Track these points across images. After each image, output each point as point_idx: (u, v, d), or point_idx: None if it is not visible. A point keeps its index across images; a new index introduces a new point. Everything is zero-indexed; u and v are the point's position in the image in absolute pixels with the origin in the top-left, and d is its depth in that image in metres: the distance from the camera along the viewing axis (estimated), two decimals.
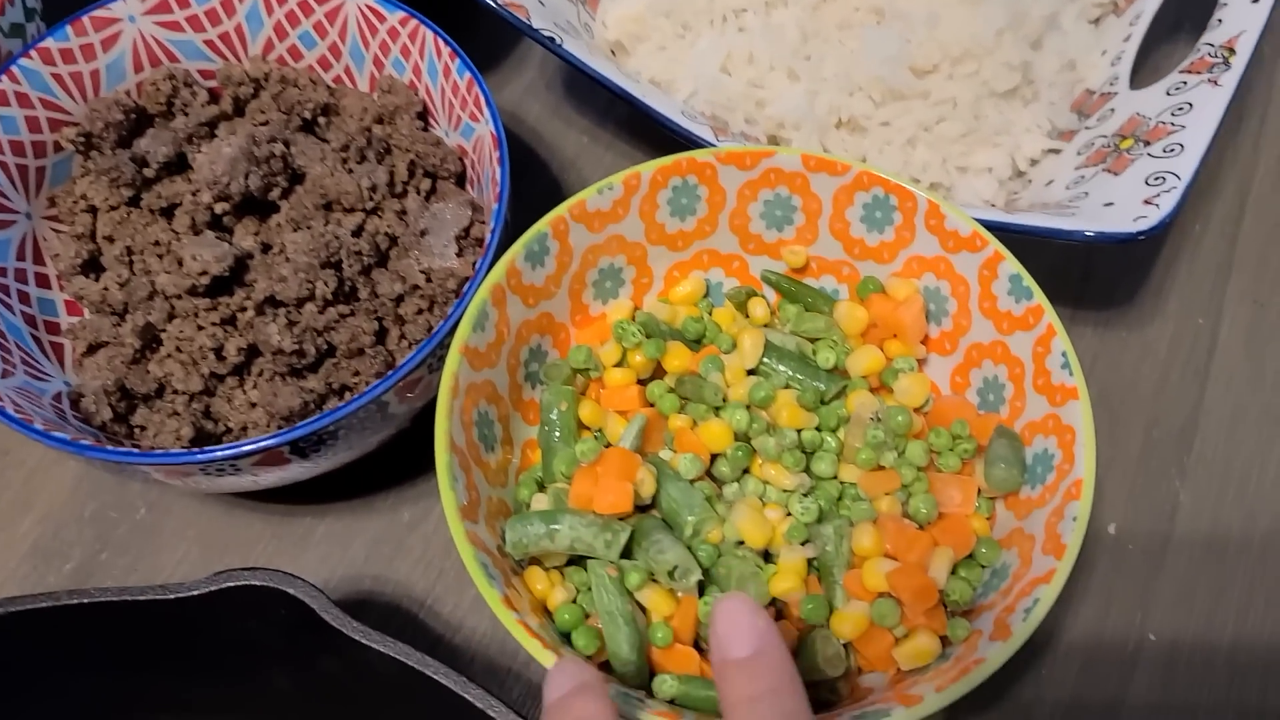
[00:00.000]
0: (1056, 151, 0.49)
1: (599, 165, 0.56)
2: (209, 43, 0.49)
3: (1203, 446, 0.49)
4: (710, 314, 0.46)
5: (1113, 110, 0.47)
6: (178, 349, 0.43)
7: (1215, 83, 0.44)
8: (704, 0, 0.50)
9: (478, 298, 0.39)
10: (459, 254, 0.44)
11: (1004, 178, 0.48)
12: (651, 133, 0.49)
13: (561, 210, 0.42)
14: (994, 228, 0.41)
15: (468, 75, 0.44)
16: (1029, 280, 0.39)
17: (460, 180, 0.48)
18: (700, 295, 0.46)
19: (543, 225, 0.41)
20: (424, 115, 0.49)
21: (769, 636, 0.28)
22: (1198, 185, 0.53)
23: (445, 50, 0.45)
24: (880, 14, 0.49)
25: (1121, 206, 0.41)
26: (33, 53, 0.45)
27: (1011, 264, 0.40)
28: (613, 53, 0.53)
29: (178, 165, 0.47)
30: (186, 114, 0.48)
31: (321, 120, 0.48)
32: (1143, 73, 0.55)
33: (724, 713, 0.28)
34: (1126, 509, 0.47)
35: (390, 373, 0.38)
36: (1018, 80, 0.48)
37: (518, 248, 0.41)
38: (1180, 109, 0.44)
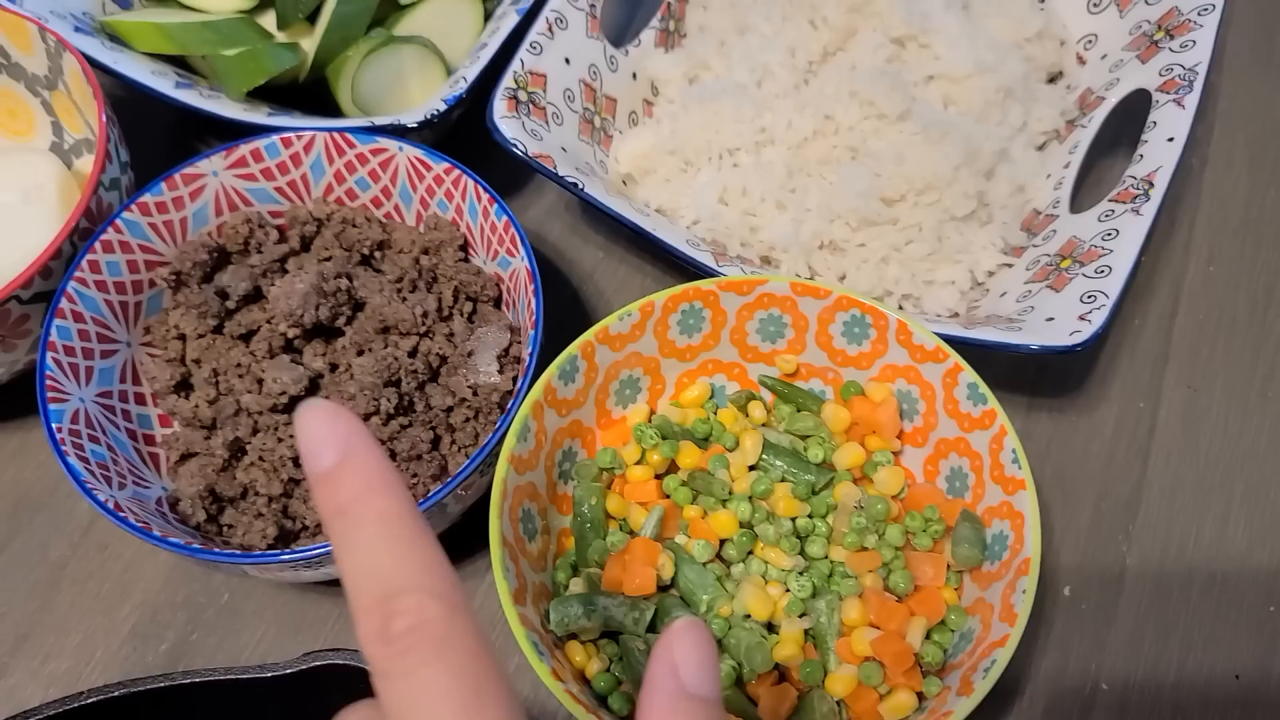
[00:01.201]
0: (1009, 265, 0.56)
1: (614, 278, 0.63)
2: (278, 189, 0.56)
3: (1146, 515, 0.56)
4: (716, 414, 0.53)
5: (1055, 231, 0.55)
6: (260, 458, 0.51)
7: (1137, 212, 0.51)
8: (703, 140, 0.58)
9: (521, 413, 0.46)
10: (500, 371, 0.51)
11: (965, 289, 0.55)
12: (659, 251, 0.56)
13: (589, 335, 0.49)
14: (955, 341, 0.48)
15: (505, 218, 0.52)
16: (984, 388, 0.47)
17: (497, 302, 0.55)
18: (706, 398, 0.53)
19: (573, 349, 0.49)
20: (464, 247, 0.56)
21: (353, 437, 0.25)
22: (1135, 285, 0.61)
23: (485, 196, 0.53)
24: (855, 152, 0.56)
25: (1061, 321, 0.49)
26: (133, 206, 0.52)
27: (969, 374, 0.47)
28: (624, 183, 0.61)
29: (254, 296, 0.55)
30: (261, 251, 0.55)
31: (377, 254, 0.56)
32: (1086, 183, 0.63)
33: (326, 530, 0.26)
34: (1080, 572, 0.54)
35: (449, 480, 0.45)
36: (974, 205, 0.56)
37: (553, 369, 0.48)
38: (1109, 234, 0.51)
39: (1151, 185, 0.52)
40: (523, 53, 0.56)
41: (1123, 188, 0.53)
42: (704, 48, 0.62)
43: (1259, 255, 0.64)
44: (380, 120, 0.55)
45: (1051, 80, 0.65)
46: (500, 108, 0.54)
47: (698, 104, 0.58)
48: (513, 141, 0.53)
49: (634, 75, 0.62)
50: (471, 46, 0.63)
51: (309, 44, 0.63)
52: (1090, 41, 0.64)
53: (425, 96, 0.61)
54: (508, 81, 0.55)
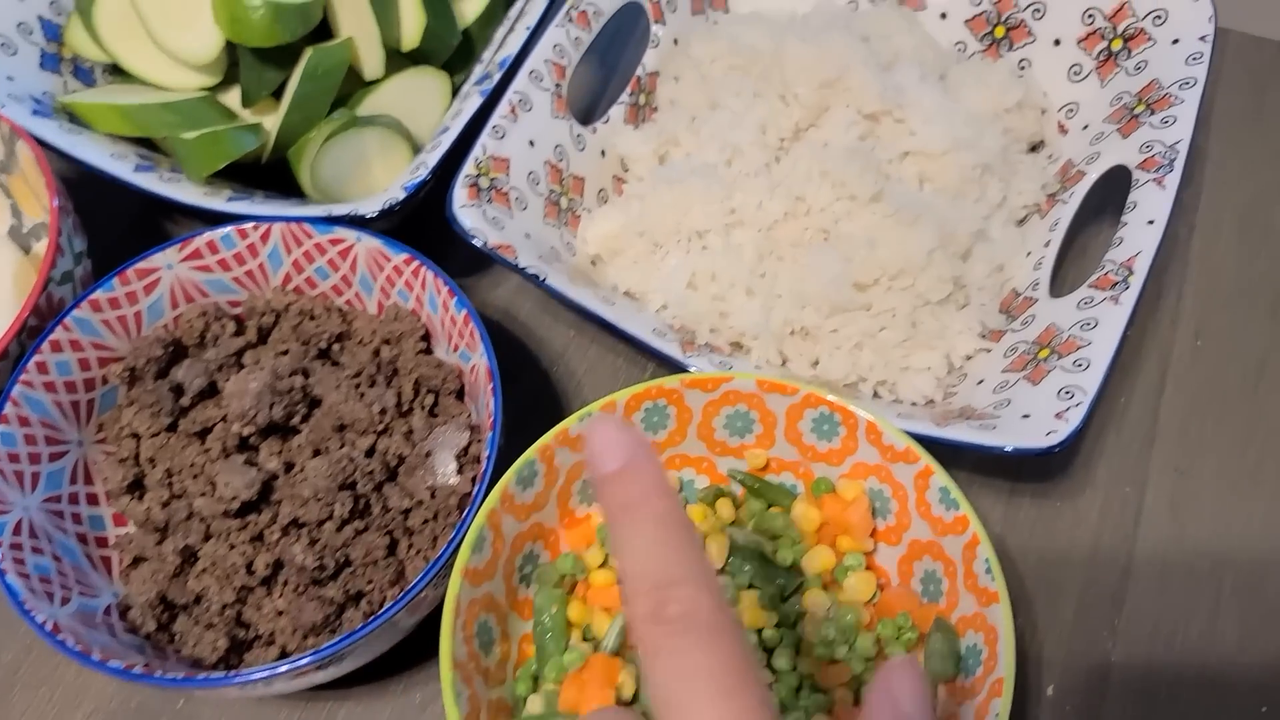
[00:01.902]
0: (987, 351, 0.54)
1: (585, 358, 0.62)
2: (236, 279, 0.55)
3: (1132, 608, 0.54)
4: (685, 508, 0.51)
5: (1034, 316, 0.53)
6: (213, 564, 0.49)
7: (1116, 301, 0.49)
8: (672, 222, 0.56)
9: (476, 523, 0.45)
10: (459, 471, 0.50)
11: (941, 375, 0.54)
12: None
13: (548, 439, 0.47)
14: (927, 440, 0.47)
15: (464, 311, 0.50)
16: (956, 493, 0.45)
17: (461, 393, 0.54)
18: (676, 492, 0.52)
19: (531, 454, 0.47)
20: (426, 337, 0.54)
21: (638, 449, 0.30)
22: (1121, 362, 0.59)
23: (444, 289, 0.51)
24: (827, 234, 0.55)
25: (1037, 419, 0.47)
26: (84, 304, 0.51)
27: (941, 477, 0.45)
28: (593, 263, 0.59)
29: (210, 391, 0.53)
30: (217, 344, 0.54)
31: (335, 347, 0.54)
32: (1070, 254, 0.61)
33: (607, 525, 0.30)
34: (1063, 670, 0.52)
35: (400, 596, 0.43)
36: (950, 289, 0.54)
37: (510, 475, 0.46)
38: (1087, 324, 0.49)
39: (1131, 272, 0.50)
40: (484, 138, 0.55)
41: (1102, 273, 0.51)
42: (674, 123, 0.60)
43: (1249, 328, 0.62)
44: (338, 209, 0.54)
45: (1033, 149, 0.63)
46: (460, 196, 0.53)
47: (666, 185, 0.56)
48: (472, 232, 0.52)
49: (603, 153, 0.61)
50: (439, 122, 0.62)
51: (274, 121, 0.62)
52: (1071, 110, 0.62)
53: (390, 178, 0.59)
54: (468, 168, 0.54)
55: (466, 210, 0.52)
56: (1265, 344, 0.61)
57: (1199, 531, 0.56)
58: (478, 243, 0.52)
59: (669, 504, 0.29)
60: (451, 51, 0.63)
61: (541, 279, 0.51)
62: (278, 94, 0.63)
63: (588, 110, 0.67)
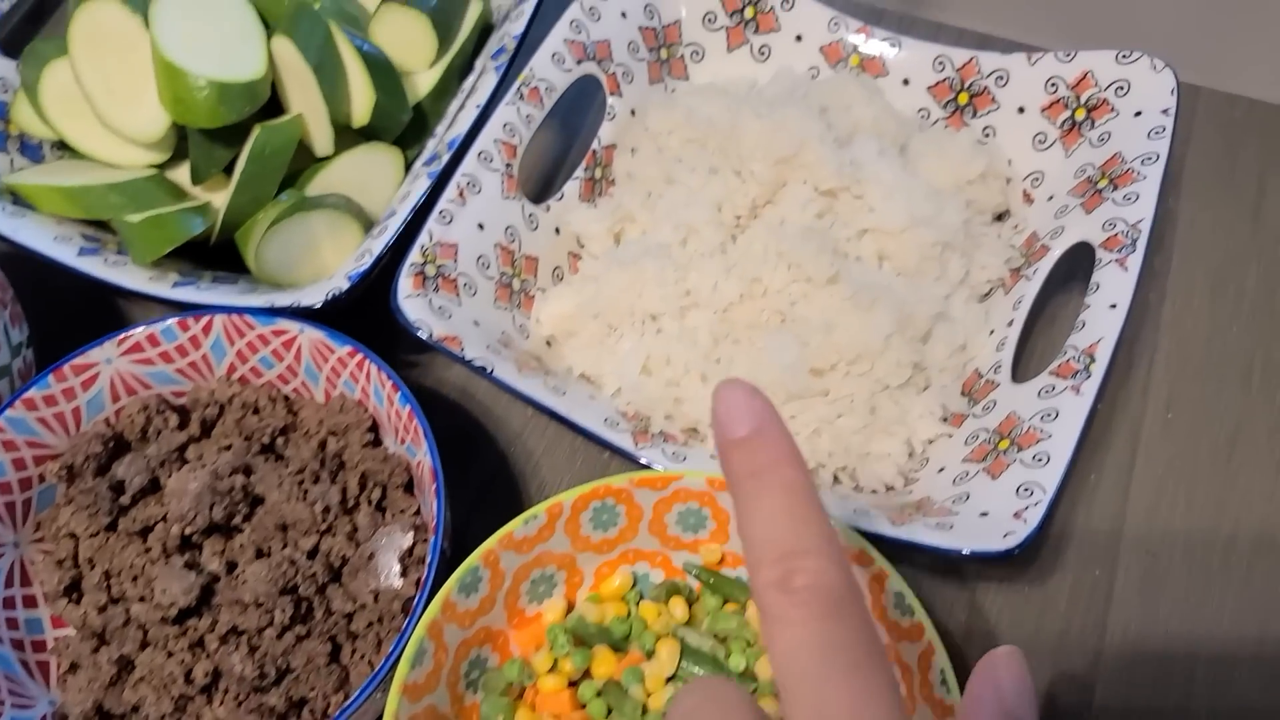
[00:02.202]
0: (949, 435, 0.53)
1: (543, 437, 0.60)
2: (179, 370, 0.54)
3: (1104, 698, 0.52)
4: (639, 604, 0.50)
5: (995, 402, 0.52)
6: (150, 673, 0.47)
7: (1077, 391, 0.48)
8: (626, 305, 0.55)
9: (415, 636, 0.43)
10: (404, 574, 0.48)
11: (901, 462, 0.52)
12: None
13: (491, 544, 0.46)
14: (883, 540, 0.45)
15: (408, 408, 0.49)
16: (911, 599, 0.43)
17: (410, 485, 0.52)
18: (629, 588, 0.50)
19: (474, 559, 0.46)
20: (374, 428, 0.53)
21: (767, 414, 0.29)
22: (1090, 436, 0.57)
23: (389, 383, 0.50)
24: (783, 317, 0.53)
25: (995, 518, 0.46)
26: (18, 403, 0.50)
27: (895, 582, 0.44)
28: (548, 343, 0.58)
29: (152, 487, 0.52)
30: (160, 438, 0.53)
31: (280, 440, 0.53)
32: (1037, 326, 0.60)
33: (730, 491, 0.29)
34: None
35: (342, 708, 0.42)
36: (909, 373, 0.53)
37: (452, 583, 0.45)
38: (1048, 414, 0.48)
39: (1093, 360, 0.49)
40: (431, 223, 0.53)
41: (1064, 359, 0.50)
42: (630, 200, 0.59)
43: (1221, 399, 0.61)
44: (281, 299, 0.52)
45: (999, 218, 0.62)
46: (405, 287, 0.51)
47: (619, 267, 0.55)
48: (417, 325, 0.50)
49: (557, 230, 0.59)
50: (392, 197, 0.60)
51: (225, 198, 0.60)
52: (1037, 179, 0.61)
53: (340, 259, 0.58)
54: (414, 256, 0.52)
55: (411, 301, 0.51)
56: (1237, 415, 0.60)
57: (1170, 615, 0.54)
58: (422, 335, 0.50)
59: (799, 473, 0.28)
60: (403, 127, 0.62)
61: (489, 371, 0.50)
62: (230, 169, 0.62)
63: (541, 186, 0.66)
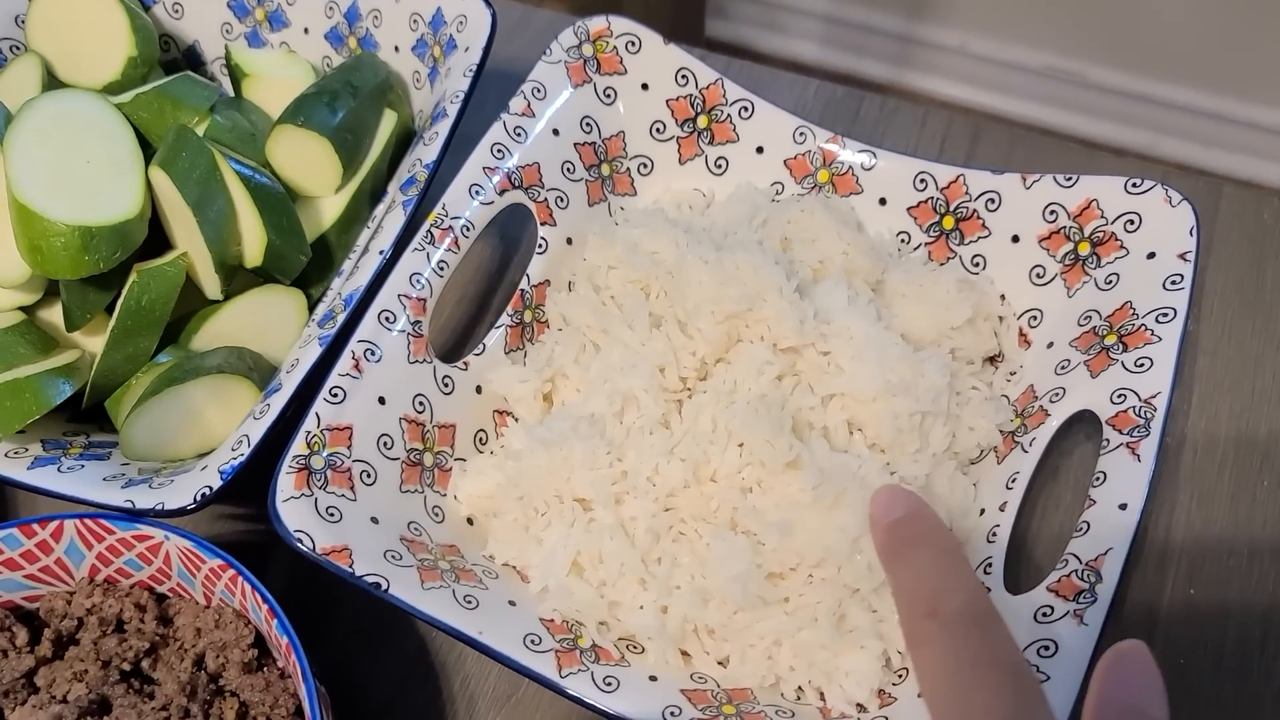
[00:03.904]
0: None
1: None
2: (30, 576, 0.47)
3: None
4: None
5: None
6: None
7: (1081, 619, 0.41)
8: (552, 489, 0.48)
9: None
10: None
11: (876, 679, 0.45)
12: None
13: None
14: None
15: (285, 640, 0.42)
16: None
17: (299, 711, 0.45)
18: None
19: None
20: (260, 641, 0.46)
21: (920, 504, 0.32)
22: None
23: (264, 607, 0.43)
24: (734, 507, 0.46)
25: None
26: None
27: None
28: (470, 521, 0.51)
29: None
30: (6, 658, 0.46)
31: (146, 662, 0.46)
32: (1035, 483, 0.52)
33: (883, 562, 0.32)
34: None
35: None
36: (883, 578, 0.45)
37: None
38: (1045, 648, 0.41)
39: (1099, 578, 0.41)
40: (319, 405, 0.46)
41: (1065, 572, 0.42)
42: (563, 353, 0.52)
43: (1252, 573, 0.53)
44: (143, 500, 0.45)
45: (991, 359, 0.54)
46: (285, 487, 0.44)
47: (542, 448, 0.48)
48: (297, 535, 0.43)
49: (478, 389, 0.52)
50: (296, 341, 0.53)
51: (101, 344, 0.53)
52: (1035, 319, 0.53)
53: (229, 425, 0.51)
54: (297, 448, 0.45)
55: (292, 507, 0.44)
56: (1271, 592, 0.52)
57: None
58: (303, 549, 0.43)
59: (952, 543, 0.31)
60: (301, 267, 0.54)
61: (382, 589, 0.43)
62: (111, 307, 0.55)
63: (458, 338, 0.59)
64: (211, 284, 0.53)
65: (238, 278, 0.55)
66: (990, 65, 1.42)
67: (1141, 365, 0.46)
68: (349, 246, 0.56)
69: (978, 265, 0.55)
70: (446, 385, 0.51)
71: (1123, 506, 0.43)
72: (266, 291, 0.54)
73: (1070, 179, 0.52)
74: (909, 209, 0.56)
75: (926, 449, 0.49)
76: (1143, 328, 0.47)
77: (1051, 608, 0.42)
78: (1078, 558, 0.43)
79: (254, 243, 0.53)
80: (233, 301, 0.54)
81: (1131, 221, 0.50)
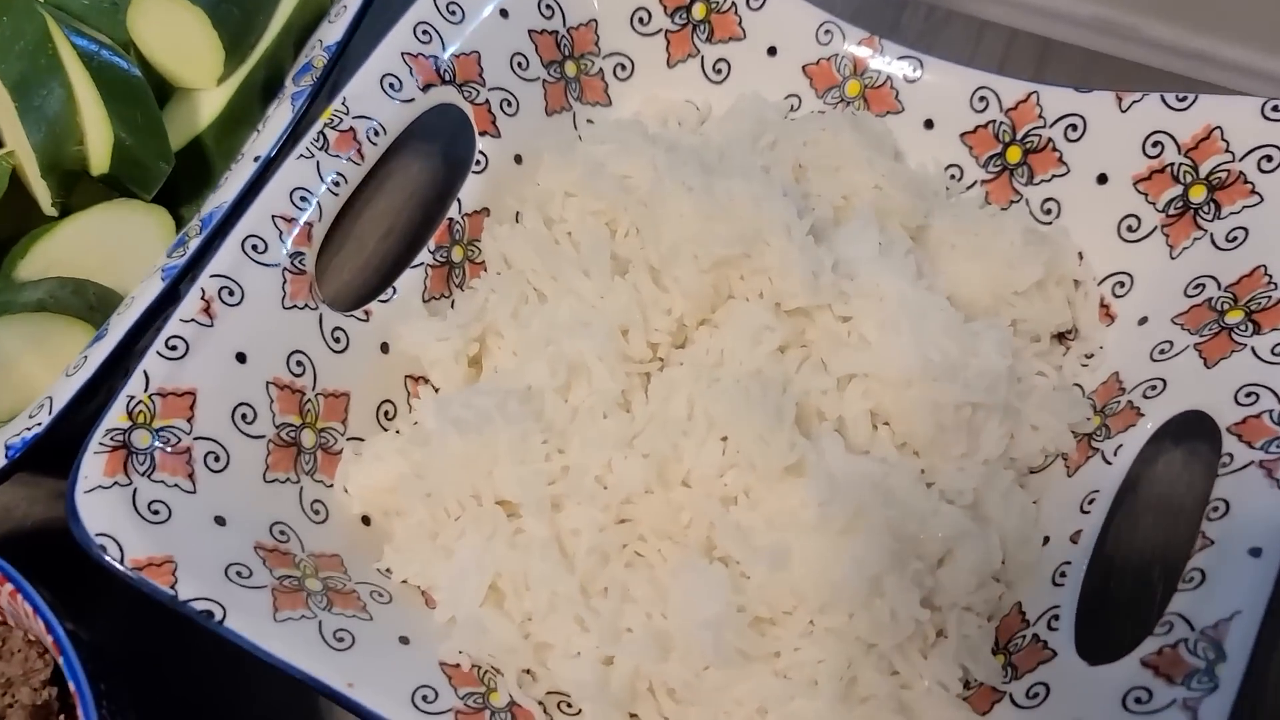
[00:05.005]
0: None
1: None
2: None
3: None
4: None
5: (1047, 689, 0.33)
6: None
7: (1195, 715, 0.29)
8: (467, 486, 0.36)
9: None
10: None
11: None
12: None
13: None
14: None
15: (73, 686, 0.30)
16: None
17: None
18: None
19: None
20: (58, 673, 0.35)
21: None
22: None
23: (50, 639, 0.31)
24: (710, 526, 0.34)
25: None
26: None
27: None
28: (365, 521, 0.39)
29: None
30: None
31: None
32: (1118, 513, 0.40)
33: None
34: None
35: None
36: (911, 629, 0.33)
37: None
38: None
39: (1220, 655, 0.29)
40: (149, 361, 0.34)
41: (1168, 640, 0.31)
42: (498, 305, 0.40)
43: None
44: None
45: (1060, 336, 0.42)
46: (90, 473, 0.33)
47: (455, 431, 0.36)
48: (99, 540, 0.32)
49: (383, 347, 0.40)
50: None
51: None
52: (1122, 285, 0.41)
53: (53, 374, 0.39)
54: (114, 419, 0.33)
55: (99, 500, 0.32)
56: None
57: None
58: (107, 560, 0.31)
59: None
60: (163, 178, 0.42)
61: (215, 619, 0.31)
62: None
63: (363, 280, 0.47)
64: (41, 193, 0.41)
65: (83, 189, 0.43)
66: (1031, 14, 1.28)
67: None
68: (233, 155, 0.44)
69: (1050, 213, 0.43)
70: (338, 340, 0.39)
71: (1255, 552, 0.31)
72: (118, 208, 0.43)
73: (1185, 99, 0.39)
74: (963, 135, 0.44)
75: (976, 454, 0.37)
76: None
77: (1149, 691, 0.30)
78: (1188, 621, 0.31)
79: (99, 142, 0.41)
80: (71, 220, 0.42)
81: (1269, 157, 0.38)
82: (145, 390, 0.34)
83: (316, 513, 0.38)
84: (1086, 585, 0.36)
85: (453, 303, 0.43)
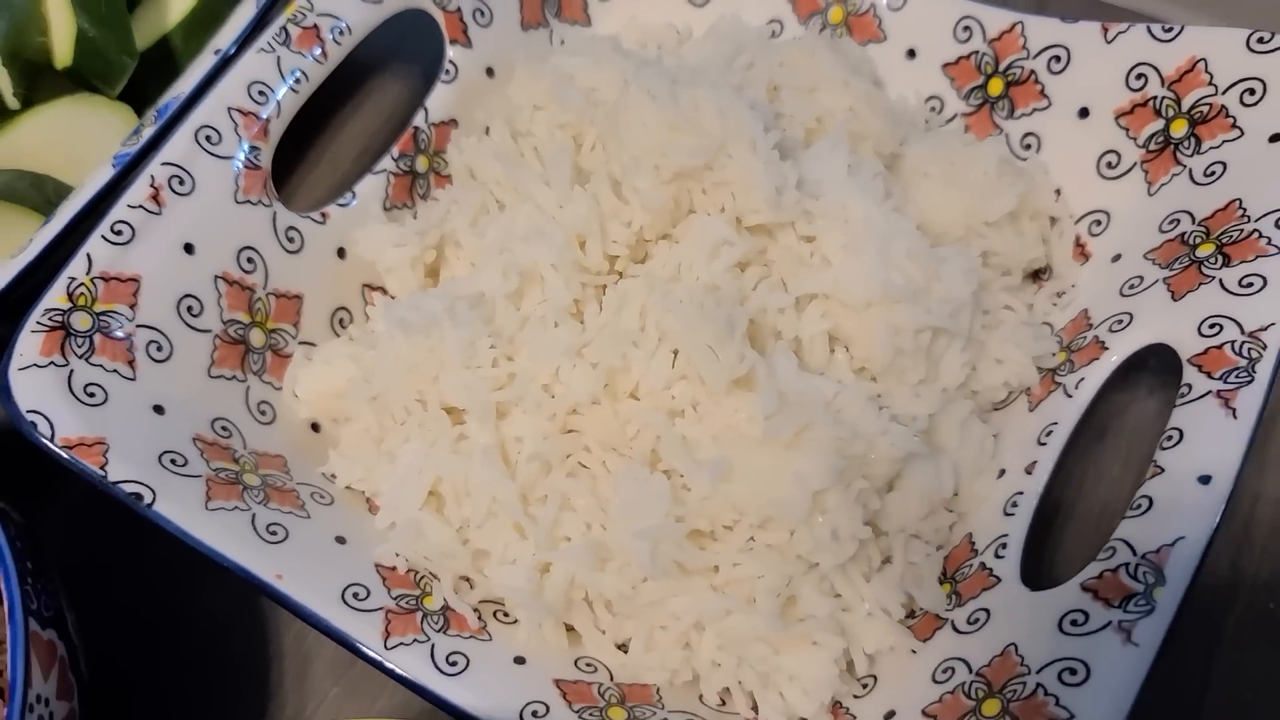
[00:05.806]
0: (913, 650, 0.33)
1: None
2: None
3: None
4: None
5: (987, 614, 0.33)
6: None
7: (1128, 637, 0.28)
8: (411, 391, 0.36)
9: None
10: None
11: (829, 687, 0.33)
12: None
13: None
14: None
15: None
16: None
17: None
18: None
19: None
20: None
21: None
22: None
23: None
24: (656, 438, 0.34)
25: None
26: None
27: None
28: (314, 428, 0.39)
29: None
30: None
31: None
32: (1074, 453, 0.40)
33: None
34: None
35: None
36: (853, 550, 0.33)
37: None
38: (1072, 670, 0.29)
39: (1160, 579, 0.29)
40: (93, 244, 0.34)
41: (1110, 565, 0.31)
42: (459, 213, 0.40)
43: None
44: None
45: (1034, 276, 0.42)
46: (26, 350, 0.33)
47: (404, 333, 0.36)
48: (30, 417, 0.32)
49: (340, 252, 0.40)
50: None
51: None
52: (1099, 223, 0.41)
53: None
54: (53, 298, 0.34)
55: (33, 377, 0.32)
56: None
57: None
58: (38, 436, 0.31)
59: None
60: (128, 72, 0.42)
61: (144, 502, 0.31)
62: None
63: (327, 181, 0.46)
64: (4, 83, 0.41)
65: (46, 81, 0.43)
66: None
67: (1249, 285, 0.34)
68: (199, 55, 0.44)
69: (1029, 147, 0.42)
70: (292, 240, 0.39)
71: (1205, 479, 0.31)
72: (81, 102, 0.43)
73: (1170, 30, 0.39)
74: (945, 66, 0.43)
75: (935, 381, 0.37)
76: (1256, 234, 0.34)
77: (1085, 613, 0.30)
78: (1130, 546, 0.31)
79: (62, 32, 0.41)
80: (33, 112, 0.42)
81: (1251, 91, 0.37)
82: (87, 273, 0.34)
83: (263, 413, 0.38)
84: (1042, 521, 0.36)
85: (415, 214, 0.43)
